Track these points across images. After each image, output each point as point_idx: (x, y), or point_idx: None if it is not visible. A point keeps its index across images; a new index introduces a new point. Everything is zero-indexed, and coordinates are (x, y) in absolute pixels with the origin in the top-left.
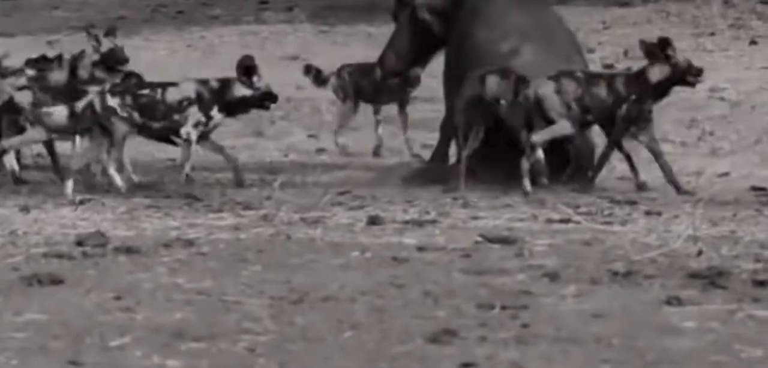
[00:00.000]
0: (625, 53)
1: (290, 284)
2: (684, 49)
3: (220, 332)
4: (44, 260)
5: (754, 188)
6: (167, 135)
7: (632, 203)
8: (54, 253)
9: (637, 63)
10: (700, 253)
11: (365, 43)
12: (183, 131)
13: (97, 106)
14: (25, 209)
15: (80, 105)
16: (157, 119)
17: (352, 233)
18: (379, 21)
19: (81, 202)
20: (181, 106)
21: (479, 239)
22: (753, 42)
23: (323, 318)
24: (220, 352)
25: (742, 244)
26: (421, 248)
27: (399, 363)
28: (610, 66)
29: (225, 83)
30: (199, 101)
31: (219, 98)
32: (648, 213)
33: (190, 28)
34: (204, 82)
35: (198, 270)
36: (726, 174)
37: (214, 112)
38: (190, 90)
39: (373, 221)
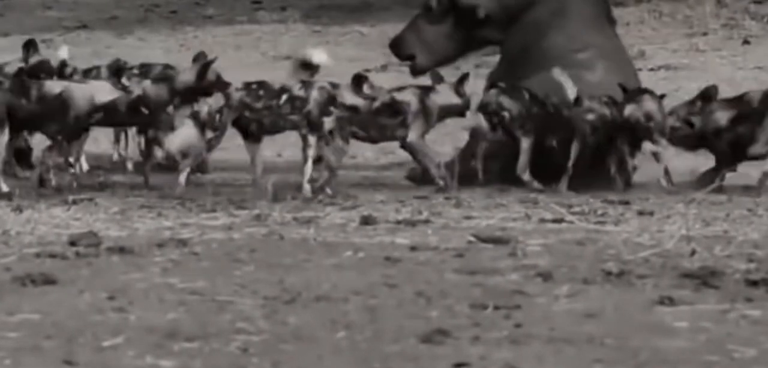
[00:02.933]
0: None
1: (283, 284)
2: (677, 49)
3: (213, 332)
4: (37, 260)
5: (747, 188)
6: None
7: (625, 203)
8: (47, 253)
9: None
10: (693, 253)
11: (358, 43)
12: None
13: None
14: (18, 209)
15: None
16: None
17: (345, 233)
18: (372, 21)
19: (74, 202)
20: None
21: (472, 239)
22: (746, 42)
23: (316, 318)
24: (213, 352)
25: (735, 244)
26: (413, 248)
27: (392, 363)
28: None
29: None
30: None
31: None
32: (641, 213)
33: (184, 28)
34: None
35: (191, 270)
36: None
37: None
38: None
39: (366, 221)
